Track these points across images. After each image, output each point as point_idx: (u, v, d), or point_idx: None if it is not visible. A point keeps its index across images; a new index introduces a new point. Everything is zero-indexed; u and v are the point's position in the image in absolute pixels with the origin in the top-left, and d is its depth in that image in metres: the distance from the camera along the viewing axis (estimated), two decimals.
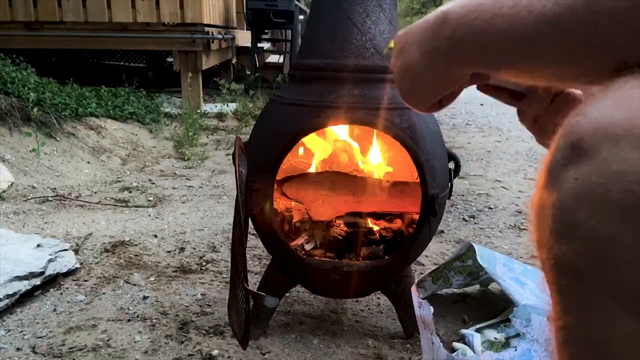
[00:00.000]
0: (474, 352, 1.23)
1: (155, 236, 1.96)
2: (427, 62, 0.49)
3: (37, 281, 1.48)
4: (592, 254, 0.31)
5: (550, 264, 0.34)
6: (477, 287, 1.58)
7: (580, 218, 0.31)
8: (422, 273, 1.56)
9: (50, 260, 1.56)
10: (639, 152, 0.29)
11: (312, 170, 1.34)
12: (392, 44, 0.64)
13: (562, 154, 0.33)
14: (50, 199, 2.36)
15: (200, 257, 1.78)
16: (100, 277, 1.61)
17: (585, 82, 0.38)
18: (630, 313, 0.30)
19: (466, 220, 2.23)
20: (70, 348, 1.24)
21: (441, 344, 1.12)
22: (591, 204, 0.30)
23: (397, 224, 1.33)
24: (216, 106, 4.69)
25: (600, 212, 0.30)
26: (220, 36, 4.95)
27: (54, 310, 1.41)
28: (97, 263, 1.71)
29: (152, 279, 1.61)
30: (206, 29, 4.51)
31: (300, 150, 1.35)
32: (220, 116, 4.54)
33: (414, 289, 1.22)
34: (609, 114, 0.31)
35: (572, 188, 0.31)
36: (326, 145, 1.33)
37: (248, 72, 5.54)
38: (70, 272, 1.61)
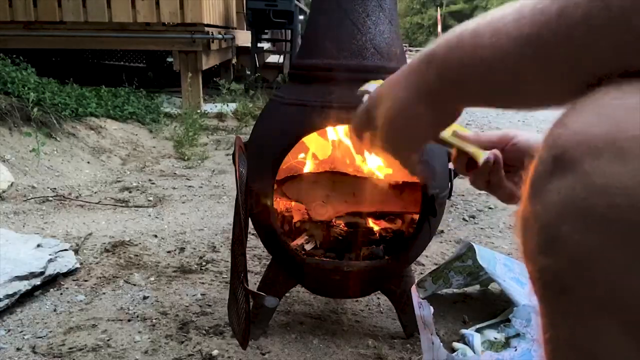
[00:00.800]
0: (474, 352, 1.23)
1: (155, 236, 1.96)
2: (420, 99, 0.49)
3: (37, 281, 1.48)
4: (577, 267, 0.30)
5: (536, 277, 0.34)
6: (477, 287, 1.58)
7: (564, 232, 0.31)
8: (422, 273, 1.56)
9: (50, 260, 1.56)
10: (621, 165, 0.29)
11: (312, 170, 1.34)
12: (366, 86, 0.65)
13: (545, 167, 0.33)
14: (50, 199, 2.36)
15: (200, 257, 1.78)
16: (100, 277, 1.61)
17: (564, 100, 0.37)
18: (616, 326, 0.29)
19: (466, 220, 2.23)
20: (70, 348, 1.24)
21: (441, 344, 1.12)
22: (575, 217, 0.30)
23: (397, 224, 1.33)
24: (216, 106, 4.70)
25: (583, 226, 0.30)
26: (220, 36, 4.95)
27: (54, 310, 1.41)
28: (97, 263, 1.71)
29: (152, 279, 1.61)
30: (206, 29, 4.51)
31: (301, 151, 1.35)
32: (220, 116, 4.54)
33: (414, 289, 1.22)
34: (591, 126, 0.31)
35: (556, 201, 0.31)
36: (326, 145, 1.33)
37: (248, 72, 5.55)
38: (70, 272, 1.61)
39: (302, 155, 1.35)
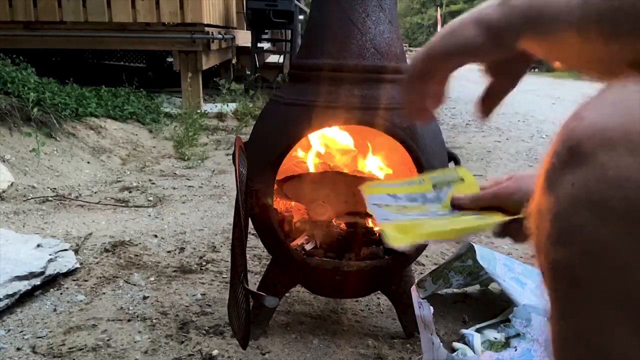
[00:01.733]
0: (474, 352, 1.23)
1: (155, 236, 1.96)
2: (474, 16, 0.45)
3: (37, 281, 1.48)
4: (589, 260, 0.31)
5: (547, 268, 0.34)
6: (477, 287, 1.58)
7: (577, 223, 0.31)
8: (422, 273, 1.56)
9: (50, 260, 1.56)
10: (636, 158, 0.29)
11: (312, 170, 1.34)
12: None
13: (560, 158, 0.33)
14: (50, 199, 2.36)
15: (200, 257, 1.78)
16: (100, 277, 1.61)
17: (607, 71, 0.36)
18: (628, 320, 0.29)
19: None
20: (70, 348, 1.24)
21: (441, 344, 1.12)
22: (588, 209, 0.30)
23: None
24: (216, 106, 4.70)
25: (596, 218, 0.30)
26: (220, 36, 4.95)
27: (54, 310, 1.41)
28: (97, 263, 1.71)
29: (152, 279, 1.61)
30: (206, 29, 4.51)
31: (301, 151, 1.35)
32: (220, 116, 4.54)
33: (414, 289, 1.21)
34: (606, 118, 0.31)
35: (569, 193, 0.31)
36: (326, 145, 1.33)
37: (248, 72, 5.55)
38: (70, 272, 1.61)
39: (301, 155, 1.35)
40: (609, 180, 0.29)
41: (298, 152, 1.34)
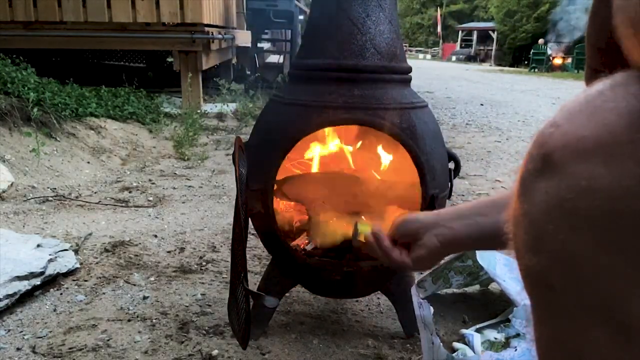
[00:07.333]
0: (474, 352, 1.23)
1: (155, 236, 1.96)
2: None
3: (37, 281, 1.48)
4: (561, 267, 0.31)
5: (524, 274, 0.34)
6: (477, 287, 1.58)
7: (550, 231, 0.31)
8: (422, 273, 1.56)
9: (50, 260, 1.56)
10: (608, 169, 0.29)
11: (312, 170, 1.34)
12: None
13: (534, 165, 0.33)
14: (50, 199, 2.36)
15: (200, 257, 1.78)
16: (100, 277, 1.61)
17: None
18: (602, 324, 0.30)
19: None
20: (70, 348, 1.24)
21: (441, 344, 1.12)
22: (560, 218, 0.31)
23: None
24: (216, 106, 4.70)
25: (568, 226, 0.30)
26: (220, 36, 4.95)
27: (54, 310, 1.41)
28: (97, 263, 1.71)
29: (152, 279, 1.61)
30: (206, 29, 4.51)
31: (301, 151, 1.35)
32: (220, 116, 4.54)
33: (414, 289, 1.21)
34: (580, 127, 0.31)
35: (543, 201, 0.32)
36: (326, 145, 1.33)
37: (248, 72, 5.55)
38: (70, 272, 1.61)
39: (302, 154, 1.35)
40: (581, 189, 0.30)
41: (298, 152, 1.34)
